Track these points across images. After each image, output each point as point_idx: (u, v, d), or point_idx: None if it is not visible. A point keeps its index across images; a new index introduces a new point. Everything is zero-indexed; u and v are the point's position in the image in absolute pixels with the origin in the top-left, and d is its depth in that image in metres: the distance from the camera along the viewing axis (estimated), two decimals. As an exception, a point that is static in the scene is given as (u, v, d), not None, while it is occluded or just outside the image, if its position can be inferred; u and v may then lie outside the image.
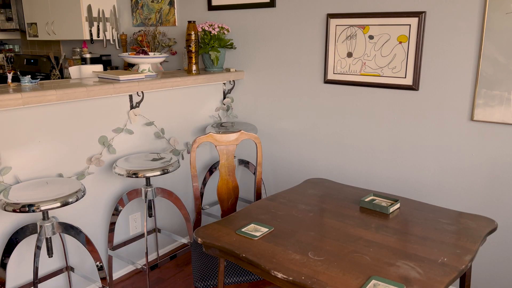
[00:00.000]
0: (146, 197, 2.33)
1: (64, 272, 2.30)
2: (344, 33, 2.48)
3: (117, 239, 2.55)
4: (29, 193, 1.85)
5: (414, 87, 2.29)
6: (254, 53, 2.92)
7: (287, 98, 2.81)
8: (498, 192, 2.15)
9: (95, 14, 3.57)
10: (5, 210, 1.75)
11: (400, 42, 2.29)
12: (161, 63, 3.31)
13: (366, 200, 1.78)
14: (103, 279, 2.12)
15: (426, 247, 1.42)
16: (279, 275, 1.28)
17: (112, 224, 2.44)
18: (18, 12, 4.48)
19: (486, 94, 2.09)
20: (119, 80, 2.38)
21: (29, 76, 2.25)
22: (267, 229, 1.54)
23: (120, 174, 2.20)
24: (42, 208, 1.75)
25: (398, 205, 1.74)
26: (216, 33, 2.86)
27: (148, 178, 2.32)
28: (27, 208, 1.74)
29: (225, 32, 2.91)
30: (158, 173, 2.20)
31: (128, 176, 2.18)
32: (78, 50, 4.05)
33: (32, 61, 4.32)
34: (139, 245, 2.71)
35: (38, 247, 1.91)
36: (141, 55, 2.69)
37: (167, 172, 2.23)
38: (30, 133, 2.05)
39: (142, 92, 2.49)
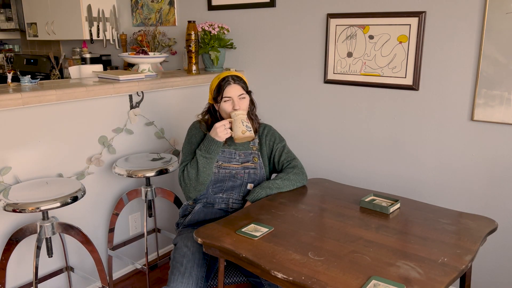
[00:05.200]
0: (146, 197, 2.33)
1: (64, 272, 2.30)
2: (344, 33, 2.48)
3: (117, 239, 2.55)
4: (29, 193, 1.85)
5: (414, 87, 2.29)
6: (254, 53, 2.91)
7: (287, 98, 2.81)
8: (498, 192, 2.15)
9: (95, 14, 3.57)
10: (5, 210, 1.75)
11: (400, 42, 2.29)
12: (161, 63, 3.31)
13: (366, 200, 1.78)
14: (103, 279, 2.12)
15: (426, 247, 1.42)
16: (279, 275, 1.28)
17: (112, 224, 2.44)
18: (18, 12, 4.48)
19: (486, 94, 2.09)
20: (119, 80, 2.38)
21: (29, 76, 2.25)
22: (267, 229, 1.54)
23: (120, 174, 2.20)
24: (42, 208, 1.75)
25: (398, 205, 1.74)
26: (216, 33, 2.86)
27: (148, 178, 2.32)
28: (27, 208, 1.73)
29: (225, 32, 2.91)
30: (158, 173, 2.20)
31: (128, 176, 2.18)
32: (78, 50, 4.05)
33: (32, 61, 4.32)
34: (139, 245, 2.71)
35: (38, 247, 1.91)
36: (141, 55, 2.68)
37: (167, 172, 2.23)
38: (30, 133, 2.05)
39: (142, 92, 2.49)
